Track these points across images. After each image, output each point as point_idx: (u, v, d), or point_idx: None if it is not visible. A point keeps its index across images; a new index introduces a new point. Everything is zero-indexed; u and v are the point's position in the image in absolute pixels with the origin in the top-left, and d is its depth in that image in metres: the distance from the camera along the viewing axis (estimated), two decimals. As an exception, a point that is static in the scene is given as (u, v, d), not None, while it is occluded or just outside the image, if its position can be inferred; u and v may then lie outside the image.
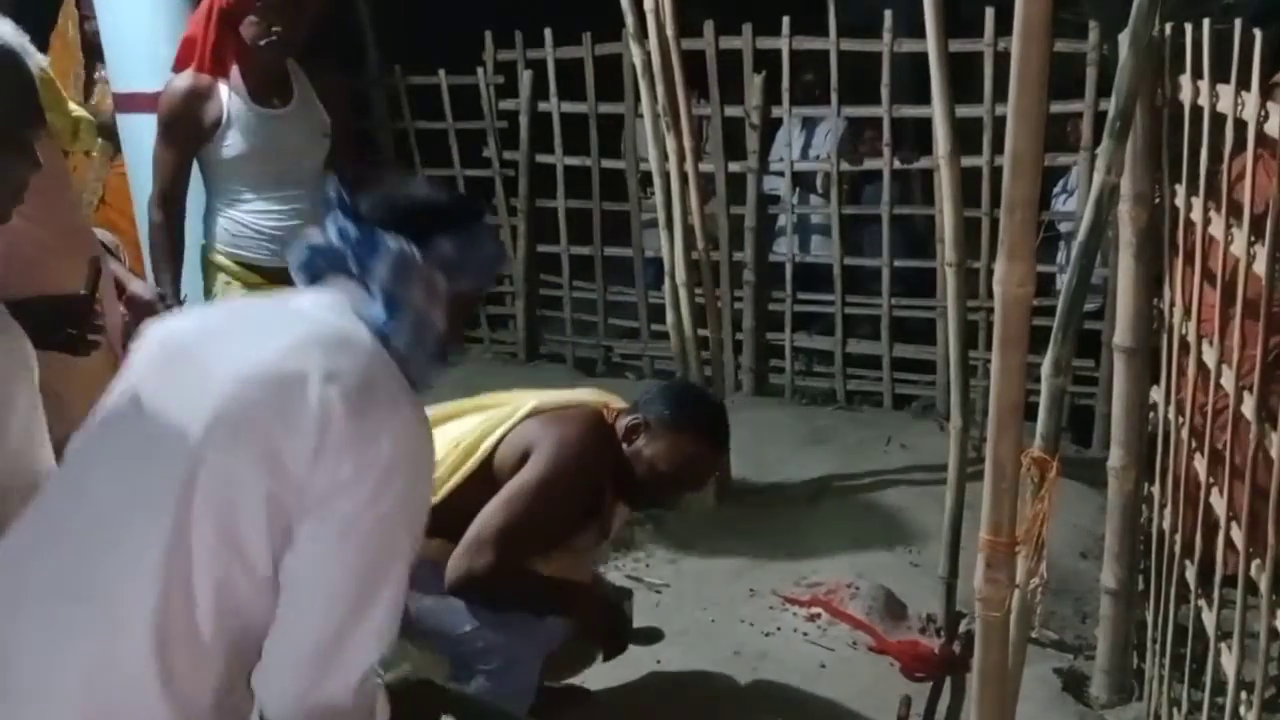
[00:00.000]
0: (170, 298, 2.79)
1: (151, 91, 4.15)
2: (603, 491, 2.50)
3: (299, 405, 1.34)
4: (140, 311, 2.38)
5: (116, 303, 2.35)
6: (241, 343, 1.44)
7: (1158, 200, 2.58)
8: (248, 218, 3.17)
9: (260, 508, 1.33)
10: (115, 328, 2.27)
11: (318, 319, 1.45)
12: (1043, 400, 1.88)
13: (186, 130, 3.07)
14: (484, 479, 2.40)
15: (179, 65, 3.12)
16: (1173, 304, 2.56)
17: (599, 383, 5.60)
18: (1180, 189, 2.41)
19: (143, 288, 2.50)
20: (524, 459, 2.38)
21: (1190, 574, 2.40)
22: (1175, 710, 2.52)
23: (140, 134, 4.16)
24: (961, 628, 3.18)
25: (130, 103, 3.79)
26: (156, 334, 1.53)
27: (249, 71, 3.08)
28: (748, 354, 5.28)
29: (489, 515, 2.31)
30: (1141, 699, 2.84)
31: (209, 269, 3.24)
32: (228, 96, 3.08)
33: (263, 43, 3.02)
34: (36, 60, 1.52)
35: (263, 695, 1.40)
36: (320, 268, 1.52)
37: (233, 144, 3.09)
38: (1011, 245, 1.44)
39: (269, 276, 3.17)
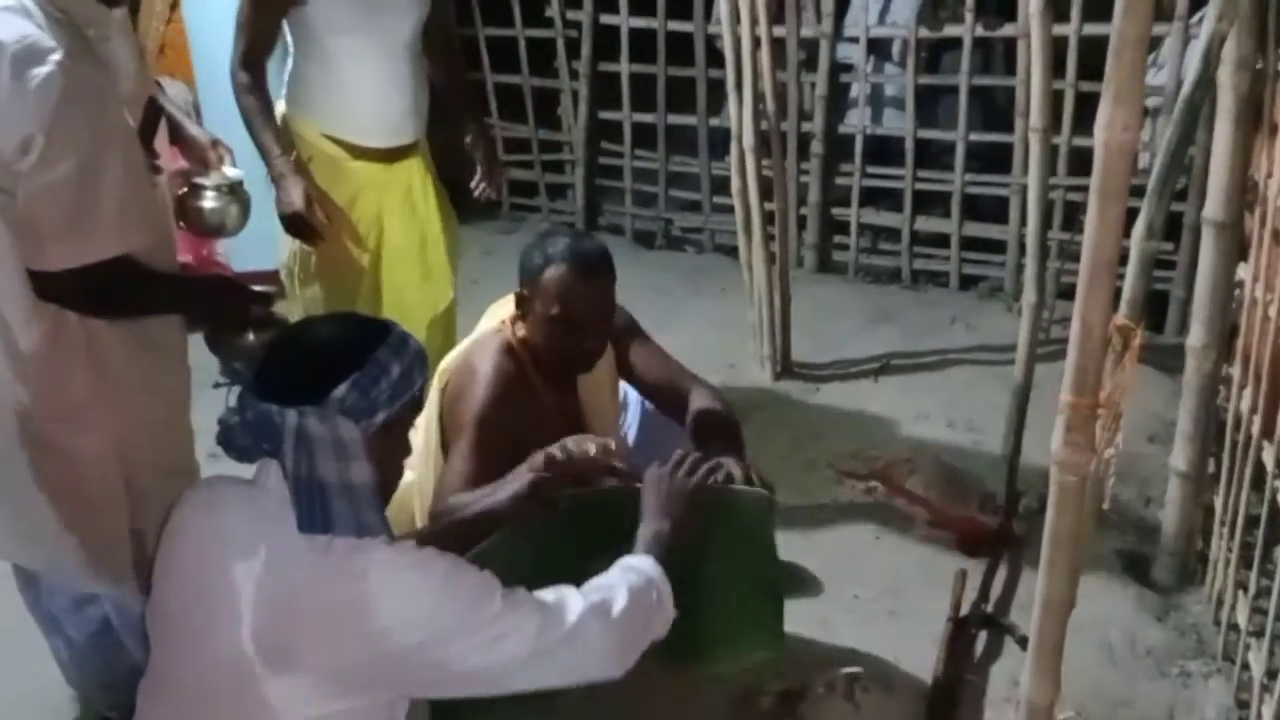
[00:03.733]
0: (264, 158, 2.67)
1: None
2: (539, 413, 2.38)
3: None
4: (195, 155, 2.35)
5: (170, 149, 2.32)
6: None
7: (1259, 66, 2.42)
8: (336, 90, 2.96)
9: None
10: (168, 173, 2.26)
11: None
12: (1131, 265, 1.79)
13: None
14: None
15: None
16: (1269, 175, 2.42)
17: (657, 256, 5.54)
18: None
19: (199, 132, 2.46)
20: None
21: (1268, 455, 2.32)
22: (1241, 593, 2.47)
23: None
24: (1021, 506, 3.14)
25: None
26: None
27: None
28: (812, 229, 5.17)
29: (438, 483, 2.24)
30: (1204, 583, 2.79)
31: (293, 139, 3.01)
32: None
33: None
34: None
35: None
36: (245, 446, 1.50)
37: (328, 7, 2.85)
38: (1118, 87, 1.34)
39: (354, 153, 3.02)
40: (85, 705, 2.34)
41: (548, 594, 1.62)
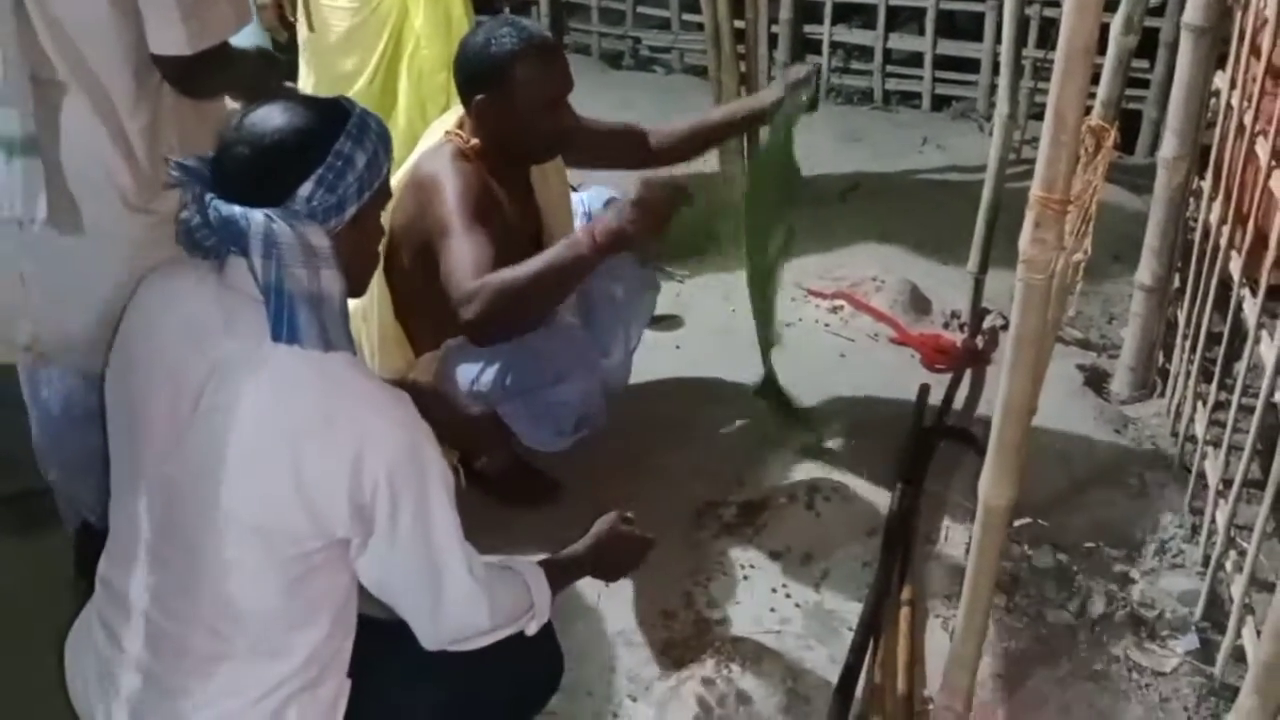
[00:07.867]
0: None
1: None
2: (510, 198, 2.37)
3: None
4: None
5: None
6: None
7: None
8: None
9: None
10: None
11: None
12: (1107, 62, 1.73)
13: None
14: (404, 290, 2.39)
15: None
16: (1254, -21, 2.34)
17: (624, 77, 5.38)
18: None
19: None
20: (423, 231, 2.26)
21: (1235, 266, 2.31)
22: (1200, 403, 2.49)
23: None
24: (986, 323, 3.15)
25: None
26: None
27: None
28: (783, 48, 5.02)
29: (447, 276, 2.12)
30: (1162, 396, 2.82)
31: None
32: None
33: None
34: None
35: None
36: (210, 246, 1.42)
37: None
38: None
39: None
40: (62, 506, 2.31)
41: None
